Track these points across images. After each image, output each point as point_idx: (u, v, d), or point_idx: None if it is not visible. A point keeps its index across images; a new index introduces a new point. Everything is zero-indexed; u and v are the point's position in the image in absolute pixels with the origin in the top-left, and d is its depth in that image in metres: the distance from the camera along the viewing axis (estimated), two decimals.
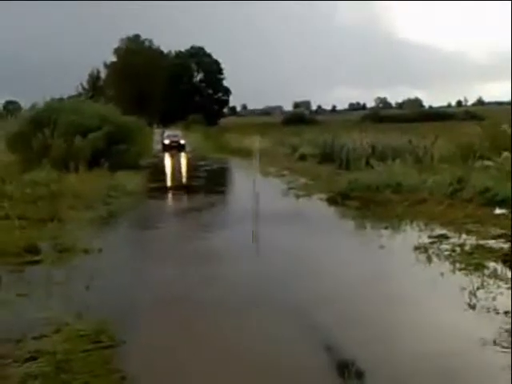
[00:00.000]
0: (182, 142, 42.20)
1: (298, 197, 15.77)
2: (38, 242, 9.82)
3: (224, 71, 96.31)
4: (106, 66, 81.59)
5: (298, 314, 6.40)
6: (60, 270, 8.35)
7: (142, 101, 70.61)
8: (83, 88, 70.20)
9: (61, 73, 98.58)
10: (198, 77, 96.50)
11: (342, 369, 4.79)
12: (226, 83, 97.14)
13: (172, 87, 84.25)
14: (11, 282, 7.74)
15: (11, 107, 48.90)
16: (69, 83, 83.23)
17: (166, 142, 41.76)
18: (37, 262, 8.76)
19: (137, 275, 8.39)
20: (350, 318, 6.26)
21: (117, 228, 12.50)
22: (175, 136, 43.60)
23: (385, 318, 6.27)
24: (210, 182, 21.27)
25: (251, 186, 19.97)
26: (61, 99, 28.06)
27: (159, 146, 41.95)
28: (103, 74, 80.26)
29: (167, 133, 46.02)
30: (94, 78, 76.81)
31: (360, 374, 4.69)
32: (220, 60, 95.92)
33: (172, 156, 36.01)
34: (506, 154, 10.03)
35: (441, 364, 4.93)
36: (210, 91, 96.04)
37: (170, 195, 18.31)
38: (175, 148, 40.33)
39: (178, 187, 20.31)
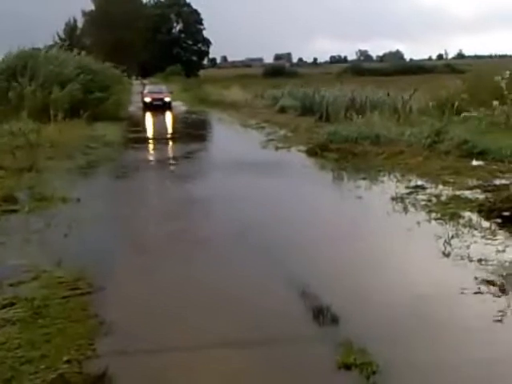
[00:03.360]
0: (168, 99, 33.36)
1: (277, 148, 15.74)
2: (15, 192, 9.77)
3: (204, 22, 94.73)
4: (83, 14, 79.73)
5: (267, 252, 6.50)
6: (38, 218, 8.32)
7: (120, 51, 68.93)
8: (60, 38, 68.52)
9: (37, 22, 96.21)
10: (178, 27, 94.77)
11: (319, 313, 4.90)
12: (205, 34, 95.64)
13: (151, 38, 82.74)
14: None
15: None
16: (45, 33, 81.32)
17: (147, 99, 33.01)
18: (14, 211, 8.70)
19: (114, 223, 8.41)
20: (324, 264, 6.36)
21: (95, 178, 12.42)
22: (159, 91, 34.72)
23: (356, 265, 6.36)
24: (188, 134, 21.14)
25: (230, 138, 20.04)
26: (37, 49, 27.37)
27: (138, 98, 35.88)
28: (80, 24, 78.51)
29: (149, 87, 37.47)
30: (71, 27, 75.07)
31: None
32: (200, 10, 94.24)
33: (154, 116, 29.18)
34: (495, 103, 10.01)
35: (413, 304, 5.06)
36: (190, 42, 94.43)
37: (148, 146, 18.17)
38: (159, 108, 31.71)
39: (157, 139, 20.18)
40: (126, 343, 4.52)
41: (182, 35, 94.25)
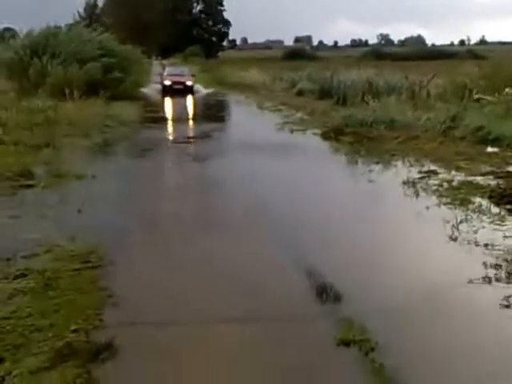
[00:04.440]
0: (190, 83, 30.49)
1: (292, 131, 15.78)
2: (32, 167, 9.95)
3: (224, 3, 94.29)
4: None
5: (281, 233, 6.59)
6: (53, 194, 8.49)
7: (140, 31, 69.02)
8: (80, 16, 68.65)
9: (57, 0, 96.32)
10: (198, 8, 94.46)
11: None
12: (226, 15, 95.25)
13: (171, 18, 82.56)
14: (4, 205, 7.87)
15: (8, 34, 48.00)
16: (66, 11, 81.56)
17: (167, 82, 30.06)
18: (30, 186, 8.88)
19: (128, 200, 8.55)
20: (330, 244, 6.46)
21: (111, 155, 12.56)
22: (180, 74, 31.75)
23: (363, 247, 6.43)
24: (205, 115, 21.22)
25: (247, 120, 20.09)
26: (58, 27, 27.53)
27: (157, 79, 33.67)
28: (100, 2, 78.58)
29: (169, 69, 34.48)
30: (91, 6, 75.21)
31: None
32: None
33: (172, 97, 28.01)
34: (507, 89, 9.96)
35: (417, 286, 5.13)
36: (210, 23, 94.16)
37: (165, 126, 18.29)
38: (180, 91, 29.10)
39: (173, 119, 20.30)
40: (133, 315, 4.64)
41: (202, 16, 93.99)
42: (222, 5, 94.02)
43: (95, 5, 76.60)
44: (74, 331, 4.25)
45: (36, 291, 4.97)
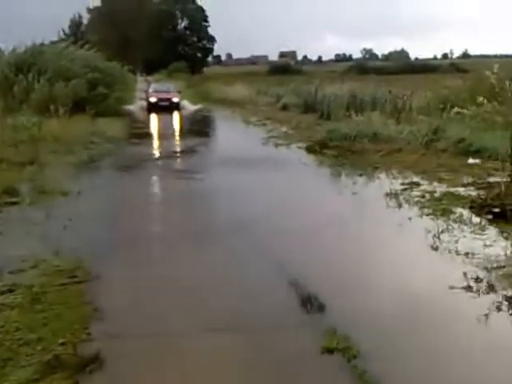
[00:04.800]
0: (176, 99, 29.87)
1: (277, 145, 15.91)
2: (17, 184, 9.96)
3: (209, 19, 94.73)
4: (88, 10, 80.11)
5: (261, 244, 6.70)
6: (38, 210, 8.52)
7: (125, 47, 69.47)
8: (65, 33, 68.88)
9: (43, 18, 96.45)
10: (183, 24, 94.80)
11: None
12: (210, 31, 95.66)
13: (156, 34, 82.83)
14: None
15: None
16: (51, 29, 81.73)
17: (153, 99, 29.25)
18: (15, 203, 8.90)
19: (114, 216, 8.61)
20: (315, 254, 6.56)
21: (96, 172, 12.59)
22: (167, 91, 31.10)
23: (345, 256, 6.56)
24: (191, 130, 21.34)
25: (232, 134, 20.23)
26: (42, 44, 27.60)
27: (142, 95, 32.89)
28: (85, 20, 78.87)
29: (154, 85, 33.96)
30: (76, 24, 75.41)
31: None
32: (205, 7, 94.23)
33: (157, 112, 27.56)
34: (480, 99, 10.11)
35: (398, 294, 5.23)
36: (195, 39, 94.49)
37: (150, 142, 18.35)
38: (166, 108, 28.37)
39: (159, 134, 20.39)
40: (119, 329, 4.70)
41: (187, 32, 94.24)
42: (206, 21, 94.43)
43: (80, 22, 76.80)
44: (62, 344, 4.31)
45: (23, 306, 5.02)
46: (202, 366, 4.13)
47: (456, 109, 11.65)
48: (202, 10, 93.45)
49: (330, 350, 4.21)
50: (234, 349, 4.40)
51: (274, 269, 6.10)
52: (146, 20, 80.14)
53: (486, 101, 8.85)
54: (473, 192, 9.17)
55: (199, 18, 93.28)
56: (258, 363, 4.17)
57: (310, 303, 5.05)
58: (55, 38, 49.45)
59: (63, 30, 71.12)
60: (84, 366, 4.03)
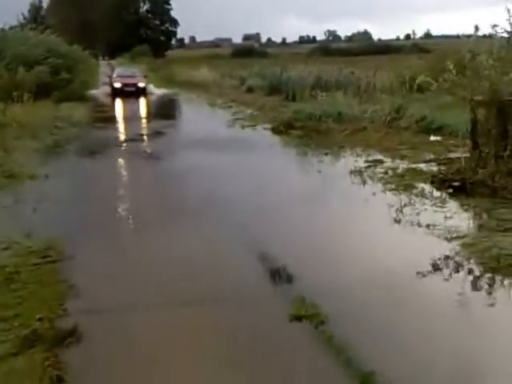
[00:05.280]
0: (142, 84, 29.08)
1: (243, 127, 16.05)
2: None
3: (171, 1, 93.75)
4: None
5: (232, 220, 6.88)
6: (7, 194, 8.55)
7: (85, 31, 68.42)
8: (24, 18, 67.47)
9: (2, 2, 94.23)
10: (145, 7, 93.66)
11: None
12: (173, 14, 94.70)
13: (117, 17, 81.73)
14: None
15: None
16: (10, 14, 79.97)
17: (117, 84, 28.33)
18: None
19: (82, 198, 8.69)
20: (284, 229, 6.77)
21: (62, 156, 12.55)
22: (132, 75, 30.13)
23: (310, 230, 6.80)
24: (155, 113, 21.32)
25: (197, 117, 20.28)
26: (1, 29, 27.14)
27: (105, 79, 32.98)
28: (45, 4, 77.31)
29: (118, 70, 32.70)
30: (36, 8, 73.92)
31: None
32: None
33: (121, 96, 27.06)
34: (446, 75, 10.33)
35: (360, 262, 5.46)
36: (157, 22, 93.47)
37: (115, 125, 18.31)
38: (131, 94, 27.60)
39: (125, 118, 20.34)
40: (93, 304, 4.83)
41: (149, 15, 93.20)
42: (168, 4, 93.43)
43: (40, 6, 75.29)
44: (39, 320, 4.41)
45: None
46: (174, 338, 4.29)
47: (422, 77, 11.83)
48: None
49: (298, 318, 4.41)
50: (207, 319, 4.55)
51: (243, 243, 6.29)
52: (106, 2, 78.98)
53: (454, 71, 9.08)
54: (434, 168, 9.46)
55: (161, 1, 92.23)
56: (229, 331, 4.36)
57: (279, 275, 5.25)
58: (15, 23, 48.41)
59: (23, 15, 69.58)
60: (62, 340, 4.15)
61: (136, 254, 6.10)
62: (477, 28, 9.75)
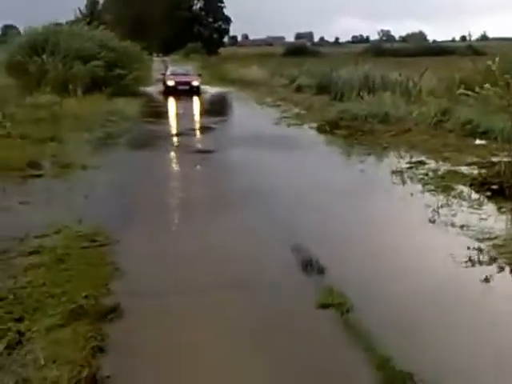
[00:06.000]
0: (196, 83, 28.03)
1: (289, 125, 16.31)
2: (39, 159, 10.47)
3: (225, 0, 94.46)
4: None
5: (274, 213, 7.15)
6: (60, 183, 9.07)
7: (140, 28, 69.56)
8: (81, 13, 69.09)
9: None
10: (198, 5, 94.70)
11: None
12: (226, 12, 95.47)
13: (171, 14, 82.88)
14: (14, 192, 8.42)
15: (10, 32, 48.32)
16: (68, 9, 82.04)
17: (170, 82, 27.74)
18: (38, 176, 9.44)
19: (131, 187, 9.10)
20: (322, 223, 7.00)
21: (114, 148, 13.03)
22: (186, 73, 29.20)
23: (349, 227, 6.99)
24: (206, 110, 21.75)
25: (246, 115, 20.61)
26: (58, 24, 27.96)
27: (159, 77, 31.44)
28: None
29: (172, 68, 31.84)
30: (93, 3, 75.58)
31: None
32: None
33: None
34: (486, 85, 10.42)
35: (394, 258, 5.66)
36: (210, 19, 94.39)
37: (165, 120, 18.80)
38: (185, 92, 26.96)
39: (176, 114, 20.83)
40: (137, 286, 5.18)
41: (203, 13, 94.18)
42: (222, 2, 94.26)
43: (97, 2, 76.96)
44: (85, 297, 4.77)
45: (49, 265, 5.51)
46: (211, 320, 4.58)
47: (461, 90, 11.93)
48: None
49: (325, 306, 4.65)
50: (241, 304, 4.84)
51: (284, 235, 6.57)
52: (161, 0, 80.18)
53: (489, 85, 9.15)
54: (475, 171, 9.51)
55: None
56: (260, 315, 4.64)
57: (311, 266, 5.50)
58: (72, 18, 49.76)
59: (79, 10, 71.27)
60: (105, 315, 4.50)
61: (179, 241, 6.45)
62: None
